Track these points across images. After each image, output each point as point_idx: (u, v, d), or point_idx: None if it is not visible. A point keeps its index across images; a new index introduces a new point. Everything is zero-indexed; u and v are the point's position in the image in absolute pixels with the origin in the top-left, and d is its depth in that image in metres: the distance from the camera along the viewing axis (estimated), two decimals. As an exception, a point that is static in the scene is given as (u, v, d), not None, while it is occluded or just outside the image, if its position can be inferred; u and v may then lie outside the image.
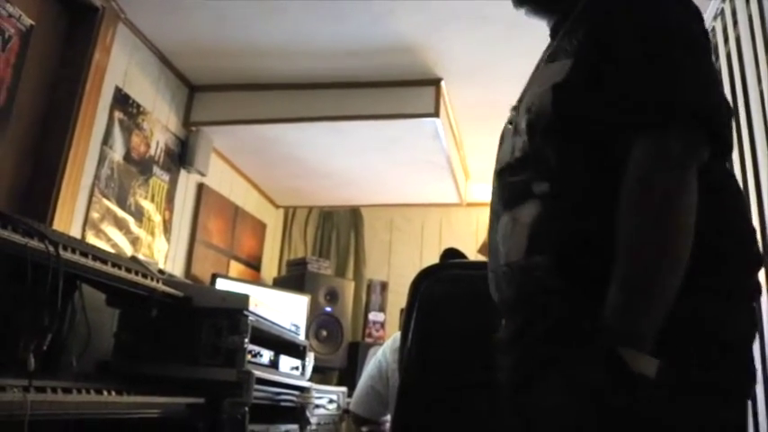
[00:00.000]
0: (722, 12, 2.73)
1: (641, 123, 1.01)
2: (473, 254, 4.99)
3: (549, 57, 1.21)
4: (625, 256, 0.97)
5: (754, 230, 1.11)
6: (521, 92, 1.28)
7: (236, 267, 4.71)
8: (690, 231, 0.96)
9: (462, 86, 3.79)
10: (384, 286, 5.16)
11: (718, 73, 1.06)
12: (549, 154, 1.11)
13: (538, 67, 1.28)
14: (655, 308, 0.95)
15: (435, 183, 4.71)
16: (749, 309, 1.07)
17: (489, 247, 1.26)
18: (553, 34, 1.32)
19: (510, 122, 1.26)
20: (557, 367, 1.03)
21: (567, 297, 1.04)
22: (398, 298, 4.39)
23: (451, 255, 2.82)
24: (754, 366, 1.06)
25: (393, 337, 2.78)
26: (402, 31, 3.31)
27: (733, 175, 1.17)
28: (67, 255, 1.71)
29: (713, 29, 2.84)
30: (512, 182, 1.17)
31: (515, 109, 1.25)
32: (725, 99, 1.09)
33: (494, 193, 1.25)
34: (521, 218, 1.12)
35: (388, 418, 2.78)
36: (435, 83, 3.74)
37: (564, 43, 1.18)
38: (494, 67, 3.51)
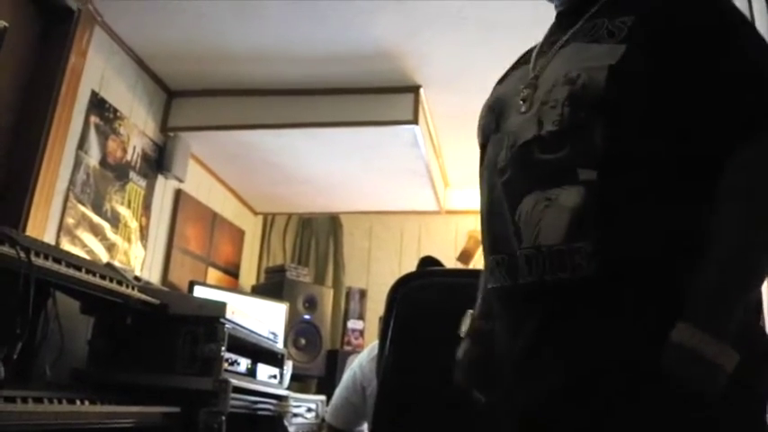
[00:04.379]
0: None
1: (749, 118, 0.98)
2: (452, 262, 4.99)
3: (580, 35, 1.14)
4: (724, 246, 0.94)
5: None
6: (529, 69, 1.20)
7: (213, 274, 4.67)
8: None
9: (441, 94, 3.79)
10: (363, 294, 5.15)
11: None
12: (596, 134, 1.03)
13: (546, 49, 1.21)
14: (742, 296, 0.94)
15: (414, 190, 4.71)
16: None
17: (493, 232, 1.17)
18: (572, 15, 1.21)
19: (523, 100, 1.15)
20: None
21: (605, 288, 0.99)
22: (377, 306, 4.37)
23: (429, 263, 2.81)
24: None
25: (369, 348, 2.77)
26: (381, 37, 3.31)
27: None
28: (39, 261, 1.68)
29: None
30: (545, 159, 1.07)
31: (529, 87, 1.16)
32: None
33: (509, 168, 1.13)
34: (560, 200, 1.03)
35: (364, 428, 2.78)
36: (414, 90, 3.74)
37: (603, 24, 1.10)
38: (473, 75, 3.50)
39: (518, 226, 1.08)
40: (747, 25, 1.07)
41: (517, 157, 1.11)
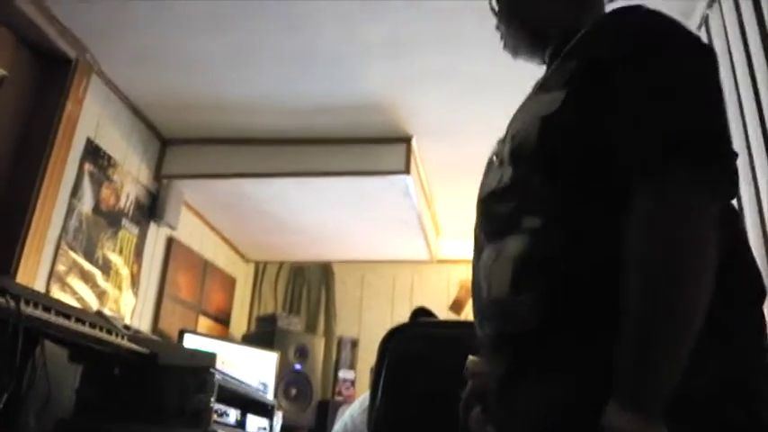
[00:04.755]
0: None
1: (640, 164, 0.93)
2: (445, 311, 4.97)
3: (540, 87, 1.16)
4: (631, 314, 0.89)
5: (754, 260, 1.02)
6: (507, 126, 1.24)
7: (204, 323, 4.63)
8: (707, 281, 0.88)
9: (433, 144, 3.83)
10: (354, 343, 5.11)
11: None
12: (536, 185, 1.04)
13: (528, 99, 1.23)
14: (662, 370, 0.87)
15: (406, 239, 4.72)
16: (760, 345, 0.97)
17: (472, 283, 1.19)
18: (549, 64, 1.26)
19: (495, 155, 1.19)
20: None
21: (548, 341, 0.97)
22: (369, 355, 4.34)
23: (421, 314, 2.80)
24: None
25: (361, 399, 2.74)
26: (373, 90, 3.36)
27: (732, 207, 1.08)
28: (29, 310, 1.66)
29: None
30: (497, 212, 1.10)
31: (501, 141, 1.19)
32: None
33: (476, 225, 1.18)
34: (505, 251, 1.04)
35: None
36: (406, 140, 3.78)
37: (557, 74, 1.12)
38: (464, 125, 3.55)
39: (480, 280, 1.11)
40: (664, 60, 1.00)
41: (482, 210, 1.15)
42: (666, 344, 0.88)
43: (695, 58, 1.02)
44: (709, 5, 2.49)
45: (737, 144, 2.23)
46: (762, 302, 1.01)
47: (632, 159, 0.94)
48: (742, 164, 2.21)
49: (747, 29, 2.20)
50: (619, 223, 0.94)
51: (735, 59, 2.28)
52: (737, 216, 1.09)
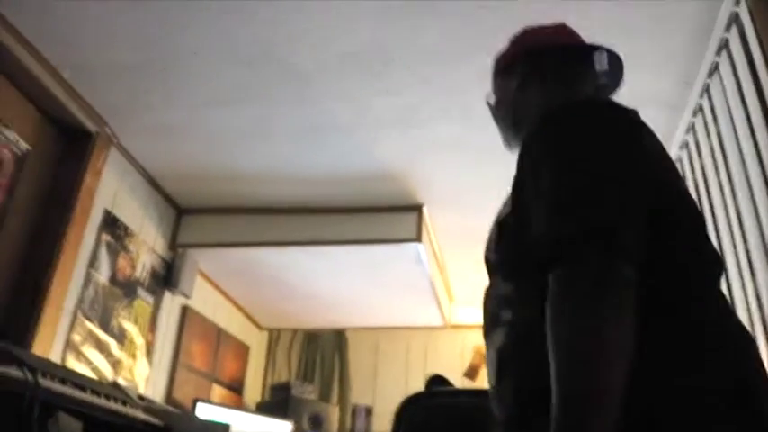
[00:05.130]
0: (686, 144, 2.83)
1: (541, 259, 0.97)
2: (459, 376, 4.92)
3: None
4: (553, 403, 0.90)
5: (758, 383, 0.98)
6: None
7: (218, 391, 4.61)
8: (612, 367, 0.88)
9: (444, 212, 3.88)
10: (369, 411, 5.05)
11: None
12: (504, 283, 1.14)
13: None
14: None
15: (419, 306, 4.71)
16: None
17: None
18: None
19: None
20: None
21: (529, 425, 0.99)
22: (384, 423, 4.28)
23: (437, 381, 2.78)
24: None
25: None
26: (385, 160, 3.43)
27: (724, 308, 1.07)
28: (46, 382, 1.68)
29: (679, 158, 2.92)
30: (487, 310, 1.19)
31: None
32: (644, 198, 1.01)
33: None
34: (493, 344, 1.12)
35: None
36: (417, 209, 3.83)
37: (515, 174, 1.18)
38: (474, 194, 3.60)
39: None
40: (562, 161, 1.05)
41: (482, 311, 1.22)
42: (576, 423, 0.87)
43: (600, 146, 1.05)
44: (710, 75, 2.55)
45: (745, 211, 2.25)
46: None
47: (536, 255, 0.99)
48: (733, 237, 2.23)
49: (746, 95, 2.25)
50: None
51: (737, 126, 2.32)
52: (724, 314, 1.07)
